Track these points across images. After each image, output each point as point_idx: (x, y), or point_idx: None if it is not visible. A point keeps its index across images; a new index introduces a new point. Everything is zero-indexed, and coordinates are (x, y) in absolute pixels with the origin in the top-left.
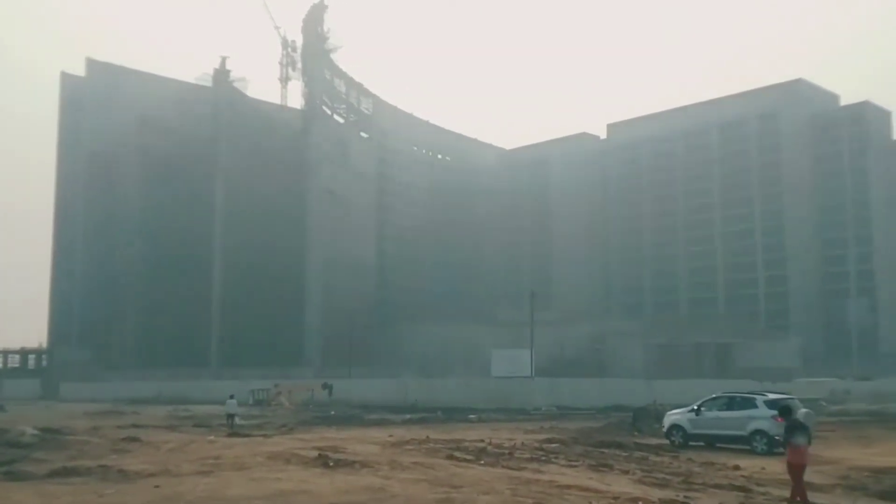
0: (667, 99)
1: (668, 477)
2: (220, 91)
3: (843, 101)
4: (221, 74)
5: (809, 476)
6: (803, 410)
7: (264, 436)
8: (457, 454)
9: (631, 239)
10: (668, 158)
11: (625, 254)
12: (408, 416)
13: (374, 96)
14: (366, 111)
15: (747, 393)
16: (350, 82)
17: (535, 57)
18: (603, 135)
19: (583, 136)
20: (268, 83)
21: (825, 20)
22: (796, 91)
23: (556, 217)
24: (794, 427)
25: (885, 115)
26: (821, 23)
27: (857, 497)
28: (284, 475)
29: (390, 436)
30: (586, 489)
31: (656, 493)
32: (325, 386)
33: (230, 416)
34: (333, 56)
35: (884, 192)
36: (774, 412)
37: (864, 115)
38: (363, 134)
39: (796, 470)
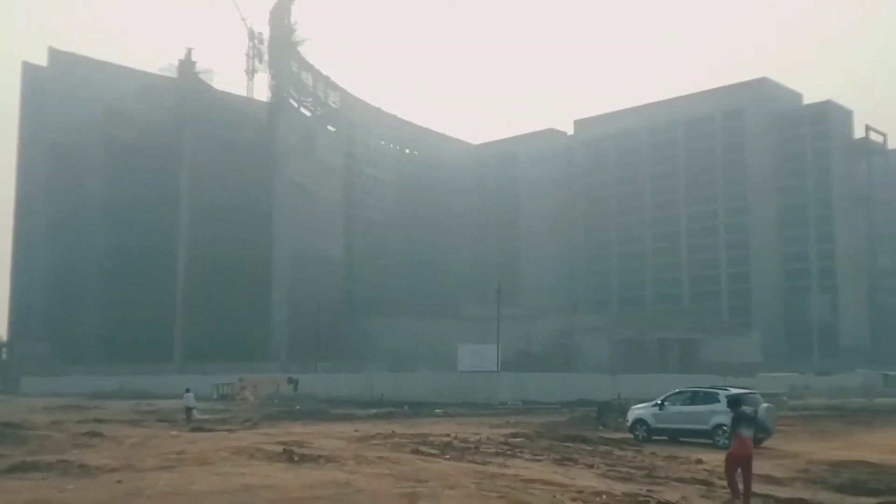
0: (633, 95)
1: (631, 471)
2: (186, 82)
3: (807, 101)
4: (187, 65)
5: (770, 470)
6: (764, 405)
7: (228, 430)
8: (422, 449)
9: (597, 235)
10: (634, 155)
11: (591, 249)
12: (374, 411)
13: (341, 90)
14: (333, 104)
15: (710, 388)
16: (317, 75)
17: (503, 52)
18: (570, 131)
19: (550, 132)
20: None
21: (789, 19)
22: (761, 89)
23: (524, 212)
24: (741, 419)
25: (847, 114)
26: (785, 22)
27: (817, 490)
28: (248, 470)
29: (356, 430)
30: (551, 483)
31: (620, 487)
32: (290, 380)
33: (189, 410)
34: (301, 49)
35: (845, 191)
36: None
37: (826, 115)
38: (330, 127)
39: (738, 461)
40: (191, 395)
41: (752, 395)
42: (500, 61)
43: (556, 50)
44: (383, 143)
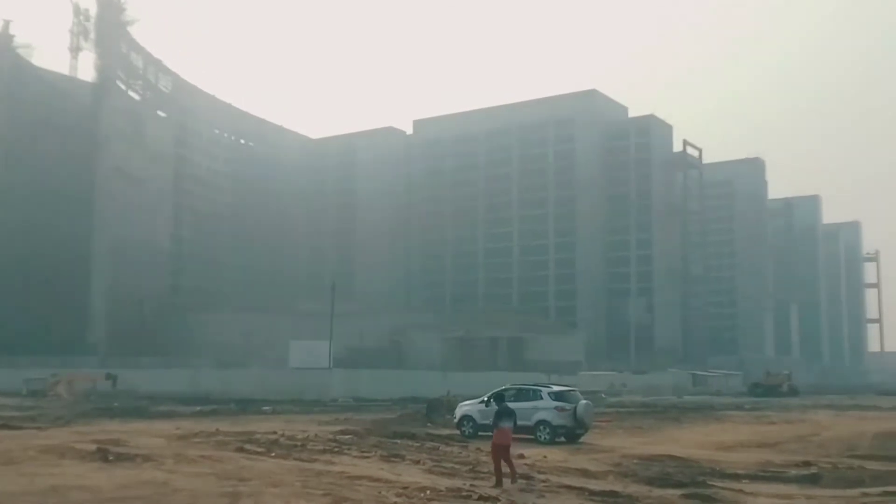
0: (472, 98)
1: (456, 466)
2: (1, 57)
3: (632, 114)
4: (3, 39)
5: (586, 464)
6: (583, 402)
7: (38, 428)
8: (247, 447)
9: (433, 234)
10: (470, 157)
11: (426, 248)
12: (198, 408)
13: (173, 74)
14: (164, 89)
15: (534, 385)
16: (148, 58)
17: (345, 46)
18: (409, 130)
19: (389, 130)
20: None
21: (621, 35)
22: (590, 101)
23: (361, 209)
24: (503, 412)
25: (668, 128)
26: (614, 38)
27: (628, 483)
28: (58, 470)
29: (177, 428)
30: (377, 480)
31: (444, 483)
32: (108, 376)
33: None
34: (131, 29)
35: (664, 200)
36: (558, 403)
37: (649, 128)
38: (161, 113)
39: (500, 449)
40: None
41: (572, 392)
42: (342, 56)
43: (398, 48)
44: (217, 132)
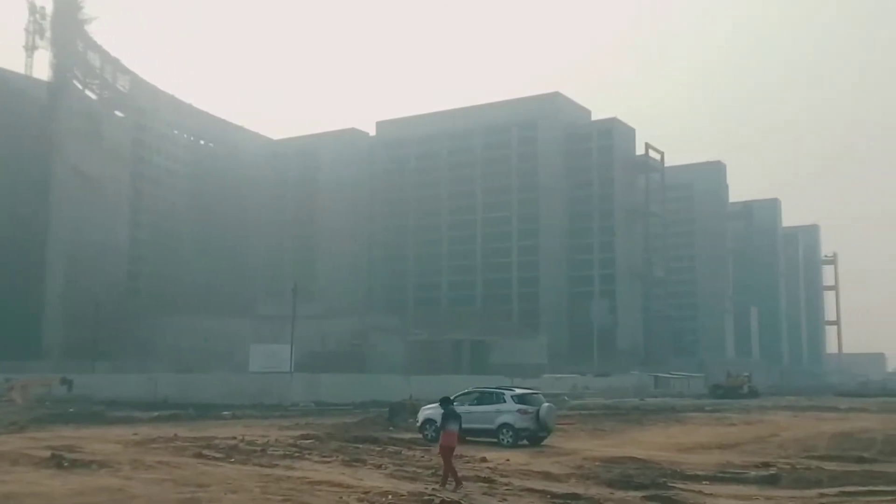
0: (435, 100)
1: (418, 470)
2: None
3: (594, 117)
4: None
5: (548, 466)
6: (546, 405)
7: None
8: (206, 452)
9: (396, 236)
10: (433, 159)
11: (389, 250)
12: (156, 414)
13: (131, 73)
14: (122, 88)
15: (496, 388)
16: (105, 56)
17: (307, 47)
18: (372, 131)
19: (352, 132)
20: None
21: (584, 39)
22: (553, 103)
23: (323, 210)
24: (449, 415)
25: (630, 131)
26: (580, 41)
27: (590, 486)
28: (11, 477)
29: (135, 434)
30: (338, 485)
31: (406, 487)
32: (63, 381)
33: None
34: (88, 27)
35: (626, 203)
36: (521, 406)
37: (611, 131)
38: (118, 112)
39: (447, 452)
40: None
41: (535, 395)
42: (304, 57)
43: (361, 49)
44: (176, 132)
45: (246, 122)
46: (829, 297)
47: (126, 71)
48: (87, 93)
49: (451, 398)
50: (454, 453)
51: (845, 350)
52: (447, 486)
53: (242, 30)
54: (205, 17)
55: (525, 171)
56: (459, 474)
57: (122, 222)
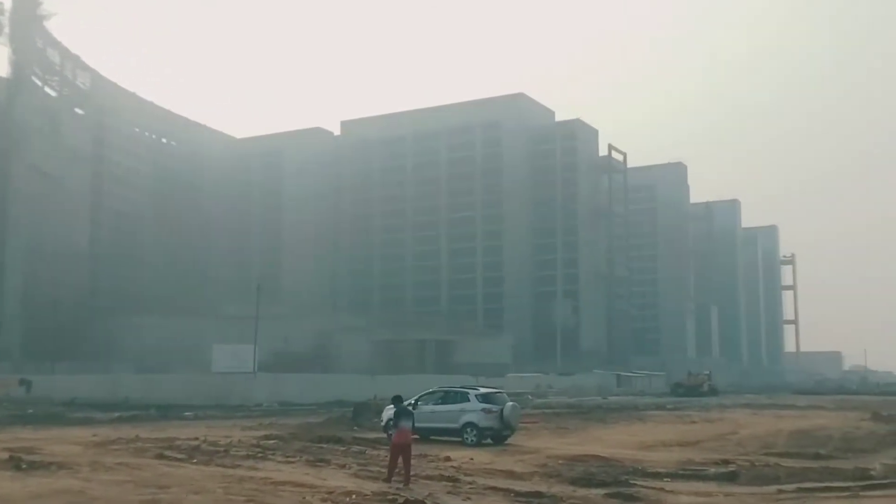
0: (400, 100)
1: (383, 470)
2: None
3: (558, 118)
4: None
5: (512, 465)
6: (510, 404)
7: None
8: (168, 453)
9: (361, 236)
10: (399, 159)
11: (354, 250)
12: (117, 415)
13: (92, 71)
14: (82, 86)
15: (461, 387)
16: (65, 53)
17: (273, 46)
18: (337, 131)
19: (317, 131)
20: None
21: (548, 40)
22: (517, 104)
23: (287, 209)
24: (401, 413)
25: (594, 133)
26: (544, 42)
27: (553, 484)
28: None
29: (95, 435)
30: (301, 485)
31: (370, 487)
32: (22, 382)
33: None
34: (47, 24)
35: (589, 204)
36: (485, 405)
37: (575, 132)
38: (79, 110)
39: (399, 448)
40: None
41: (499, 394)
42: (269, 55)
43: (326, 48)
44: (138, 130)
45: (209, 121)
46: (787, 296)
47: (86, 68)
48: (47, 90)
49: (419, 396)
50: (411, 451)
51: (803, 349)
52: (406, 483)
53: (205, 28)
54: (167, 15)
55: (489, 172)
56: (404, 472)
57: (82, 222)
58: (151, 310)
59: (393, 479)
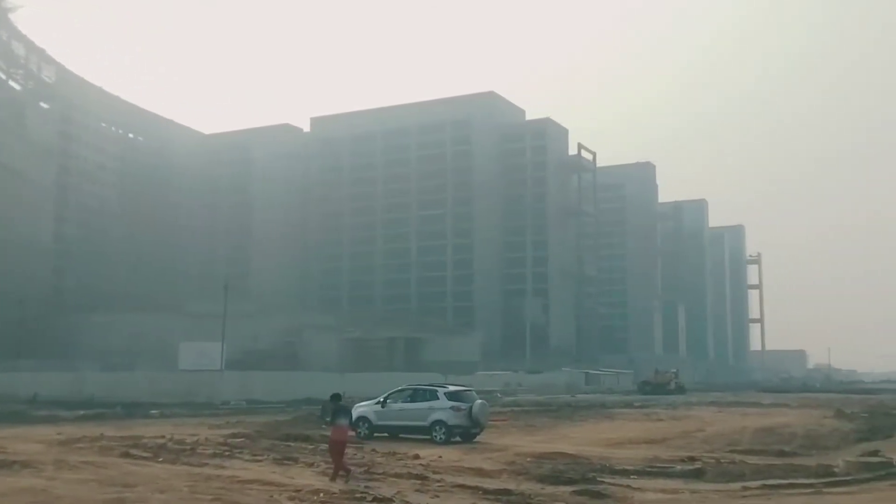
0: (370, 97)
1: (350, 468)
2: None
3: (529, 117)
4: None
5: (480, 463)
6: (479, 401)
7: None
8: (133, 452)
9: (330, 233)
10: (369, 156)
11: (324, 248)
12: (82, 413)
13: (58, 64)
14: (48, 79)
15: (430, 385)
16: (31, 46)
17: (242, 42)
18: (306, 127)
19: (286, 128)
20: None
21: (520, 39)
22: (488, 102)
23: (257, 207)
24: (339, 410)
25: (564, 132)
26: (516, 41)
27: (521, 481)
28: None
29: (59, 433)
30: (269, 483)
31: (338, 485)
32: None
33: None
34: (12, 16)
35: (559, 203)
36: (454, 403)
37: (545, 131)
38: (44, 104)
39: (338, 446)
40: None
41: (468, 392)
42: (238, 51)
43: (296, 44)
44: (105, 125)
45: (177, 117)
46: (753, 295)
47: (52, 62)
48: (11, 83)
49: (388, 394)
50: (345, 447)
51: (768, 347)
52: (339, 478)
53: (174, 23)
54: (134, 8)
55: (460, 170)
56: (351, 469)
57: (47, 217)
58: (118, 307)
59: (338, 474)
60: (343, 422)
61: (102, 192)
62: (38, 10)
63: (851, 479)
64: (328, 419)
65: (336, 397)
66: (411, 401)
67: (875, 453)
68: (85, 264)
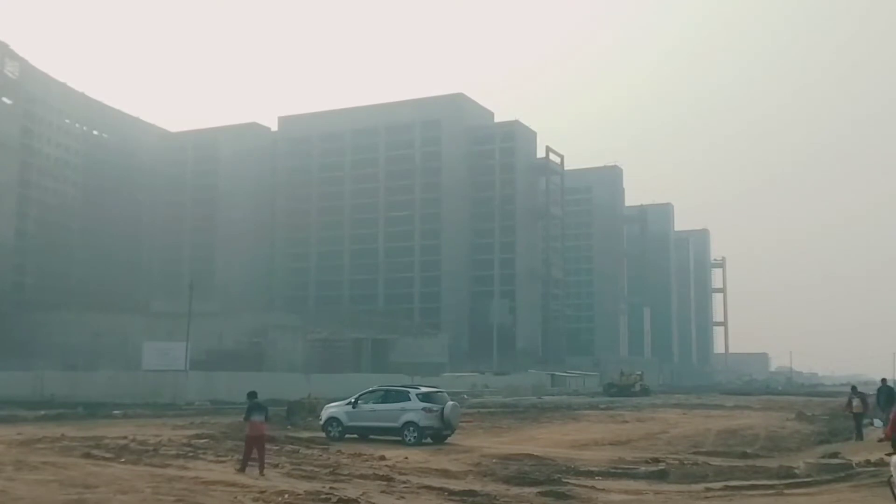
0: (339, 97)
1: (316, 469)
2: None
3: (497, 119)
4: None
5: (447, 464)
6: (450, 403)
7: None
8: (95, 452)
9: (297, 233)
10: (337, 156)
11: (291, 248)
12: (42, 413)
13: (21, 59)
14: (11, 75)
15: (401, 386)
16: None
17: (209, 40)
18: (274, 126)
19: (253, 126)
20: None
21: (488, 45)
22: (457, 104)
23: (222, 205)
24: (253, 407)
25: (532, 134)
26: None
27: (487, 482)
28: None
29: (19, 434)
30: (233, 484)
31: (303, 486)
32: None
33: None
34: None
35: (527, 205)
36: (426, 404)
37: (513, 134)
38: (6, 100)
39: (254, 441)
40: None
41: (439, 394)
42: (206, 48)
43: (264, 42)
44: (68, 121)
45: (142, 114)
46: (717, 299)
47: (15, 56)
48: None
49: (359, 395)
50: (264, 442)
51: (732, 350)
52: (261, 473)
53: (140, 19)
54: (101, 4)
55: (428, 171)
56: (248, 466)
57: (7, 214)
58: (79, 305)
59: (247, 468)
60: (257, 418)
61: (65, 189)
62: (1, 5)
63: (812, 481)
64: (244, 416)
65: (252, 395)
66: (383, 402)
67: (835, 455)
68: (46, 262)
